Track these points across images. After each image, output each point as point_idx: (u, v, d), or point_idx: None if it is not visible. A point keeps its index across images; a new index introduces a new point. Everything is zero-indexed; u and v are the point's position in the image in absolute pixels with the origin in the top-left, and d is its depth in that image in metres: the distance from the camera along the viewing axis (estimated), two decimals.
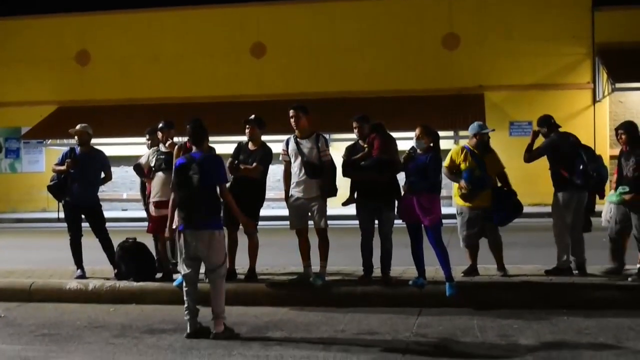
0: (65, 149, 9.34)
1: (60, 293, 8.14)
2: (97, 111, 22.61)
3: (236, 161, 8.12)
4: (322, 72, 22.73)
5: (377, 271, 7.96)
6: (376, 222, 7.90)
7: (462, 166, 7.90)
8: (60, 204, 8.81)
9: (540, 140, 8.28)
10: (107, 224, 8.84)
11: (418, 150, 7.52)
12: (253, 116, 8.27)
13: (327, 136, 8.42)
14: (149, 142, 9.04)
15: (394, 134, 8.08)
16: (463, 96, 21.44)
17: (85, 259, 8.74)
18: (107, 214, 9.11)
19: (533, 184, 14.27)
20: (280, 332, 6.46)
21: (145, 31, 24.15)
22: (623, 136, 7.80)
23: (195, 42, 23.69)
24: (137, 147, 18.77)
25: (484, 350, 5.77)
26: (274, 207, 16.07)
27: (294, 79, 22.69)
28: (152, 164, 8.42)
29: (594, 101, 21.52)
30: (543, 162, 8.26)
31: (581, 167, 7.76)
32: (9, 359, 5.83)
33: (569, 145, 7.97)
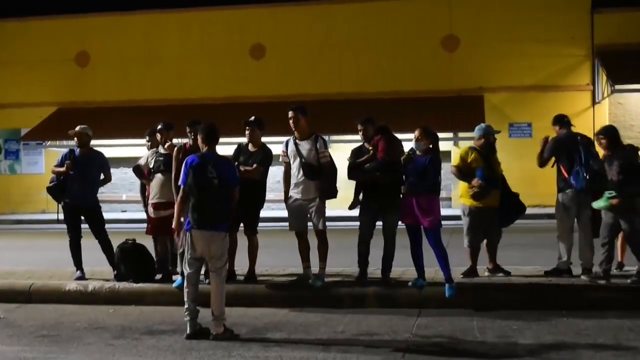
0: (65, 150, 9.34)
1: (60, 294, 8.14)
2: (96, 113, 22.61)
3: (236, 163, 8.12)
4: (322, 73, 22.74)
5: (376, 272, 7.97)
6: (378, 223, 7.90)
7: (474, 165, 7.90)
8: (60, 206, 8.81)
9: None
10: (107, 226, 8.84)
11: (417, 152, 7.53)
12: (253, 118, 8.26)
13: (326, 137, 8.44)
14: (149, 143, 9.04)
15: (395, 136, 8.08)
16: (462, 98, 21.44)
17: (85, 260, 8.74)
18: (106, 216, 9.12)
19: (533, 185, 14.26)
20: (279, 333, 6.47)
21: (145, 33, 24.16)
22: (603, 141, 7.78)
23: (194, 43, 23.69)
24: (137, 148, 18.77)
25: (483, 351, 5.78)
26: (273, 209, 16.06)
27: (293, 80, 22.69)
28: (151, 166, 8.43)
29: (594, 103, 21.52)
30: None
31: (576, 168, 7.75)
32: None
33: (572, 145, 7.94)
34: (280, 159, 8.09)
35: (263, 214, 8.40)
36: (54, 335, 6.60)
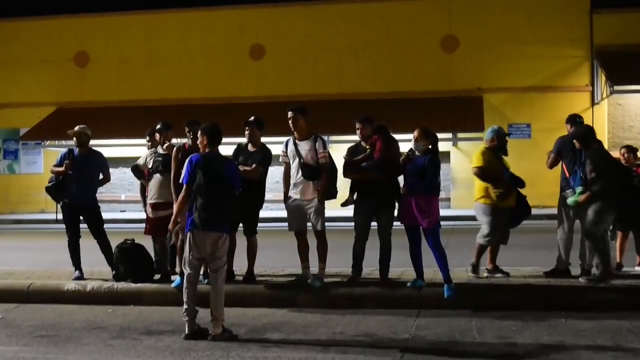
0: (64, 150, 9.34)
1: (59, 294, 8.13)
2: (95, 112, 22.63)
3: (236, 162, 8.11)
4: (321, 74, 22.76)
5: (375, 273, 7.96)
6: (374, 223, 7.90)
7: (495, 165, 7.89)
8: (59, 205, 8.81)
9: None
10: (106, 226, 8.84)
11: (416, 152, 7.53)
12: (252, 118, 8.26)
13: (326, 138, 8.43)
14: (149, 143, 9.03)
15: (393, 136, 8.08)
16: (462, 98, 21.47)
17: (84, 260, 8.73)
18: (105, 216, 9.11)
19: (533, 185, 14.12)
20: (278, 334, 6.46)
21: (144, 33, 24.17)
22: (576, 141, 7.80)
23: (194, 44, 23.72)
24: (136, 148, 18.80)
25: (482, 352, 5.77)
26: (272, 209, 16.06)
27: (292, 80, 22.71)
28: (150, 166, 8.42)
29: (593, 103, 21.55)
30: (542, 164, 8.26)
31: (576, 168, 7.75)
32: None
33: (574, 145, 7.90)
34: (280, 159, 8.08)
35: (262, 214, 8.40)
36: (52, 335, 6.59)
